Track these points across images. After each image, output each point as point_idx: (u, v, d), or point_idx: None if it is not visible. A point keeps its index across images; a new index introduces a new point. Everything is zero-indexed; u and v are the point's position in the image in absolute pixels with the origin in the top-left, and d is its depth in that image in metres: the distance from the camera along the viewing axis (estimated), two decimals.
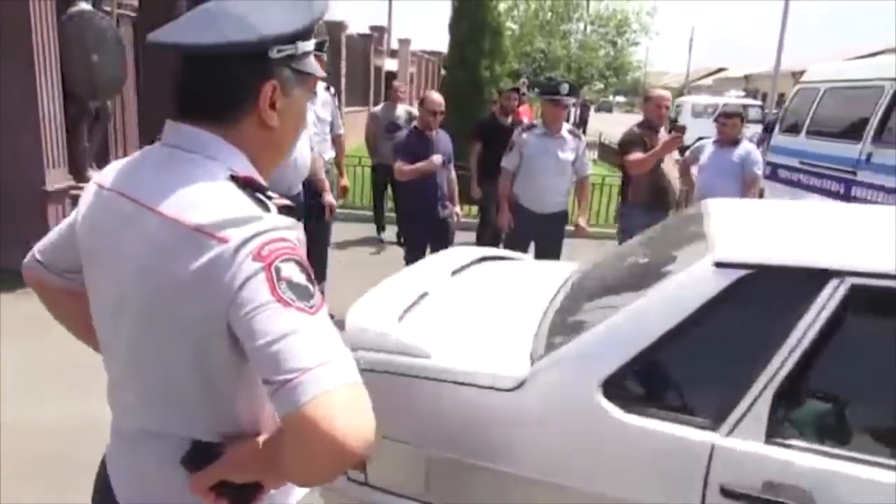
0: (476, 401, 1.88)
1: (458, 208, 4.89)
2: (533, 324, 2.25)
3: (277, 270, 0.87)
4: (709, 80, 52.78)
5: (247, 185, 0.96)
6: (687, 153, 5.63)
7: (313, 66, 1.05)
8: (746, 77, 38.87)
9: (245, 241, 0.89)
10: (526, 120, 6.67)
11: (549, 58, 25.79)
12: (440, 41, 8.76)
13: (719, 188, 4.89)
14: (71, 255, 1.12)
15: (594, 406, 1.76)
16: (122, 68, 6.21)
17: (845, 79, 7.57)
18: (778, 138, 8.73)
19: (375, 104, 12.76)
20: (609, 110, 39.65)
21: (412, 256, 4.47)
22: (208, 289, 0.89)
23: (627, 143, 4.73)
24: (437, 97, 4.66)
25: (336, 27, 12.97)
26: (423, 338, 2.08)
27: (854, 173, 6.76)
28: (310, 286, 0.89)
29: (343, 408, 0.81)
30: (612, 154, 15.78)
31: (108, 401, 1.11)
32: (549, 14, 27.50)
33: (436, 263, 3.02)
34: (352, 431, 0.80)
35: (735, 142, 4.99)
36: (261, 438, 0.99)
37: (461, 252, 3.25)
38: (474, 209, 6.95)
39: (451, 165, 4.81)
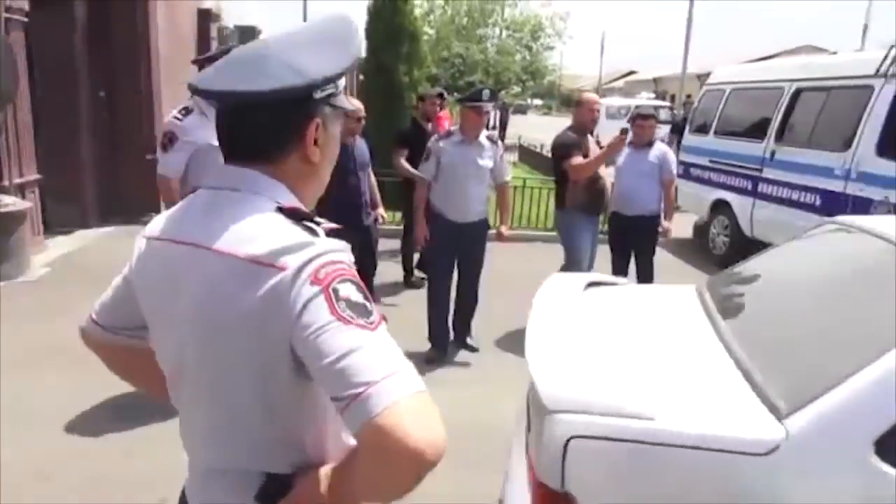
0: (721, 469, 1.58)
1: (382, 209, 4.93)
2: (723, 364, 1.95)
3: (335, 291, 0.90)
4: (620, 83, 54.62)
5: (293, 214, 0.99)
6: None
7: (344, 101, 1.10)
8: (655, 80, 40.44)
9: (301, 267, 0.91)
10: (447, 125, 6.62)
11: (467, 62, 25.98)
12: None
13: (639, 190, 5.02)
14: (126, 312, 1.16)
15: (868, 468, 1.53)
16: (13, 79, 5.77)
17: (748, 80, 7.93)
18: (688, 138, 9.06)
19: None
20: (524, 112, 40.33)
21: None
22: (270, 316, 0.91)
23: (566, 147, 4.65)
24: (358, 103, 4.60)
25: (248, 33, 12.58)
26: (630, 394, 1.74)
27: (760, 170, 7.09)
28: (367, 304, 0.92)
29: (414, 415, 0.82)
30: (534, 158, 16.06)
31: (183, 442, 1.14)
32: (465, 19, 27.71)
33: (558, 298, 2.55)
34: (425, 437, 0.81)
35: (650, 143, 5.11)
36: (330, 465, 1.00)
37: (569, 281, 2.84)
38: (398, 215, 6.84)
39: (371, 172, 4.78)
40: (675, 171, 5.15)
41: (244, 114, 1.02)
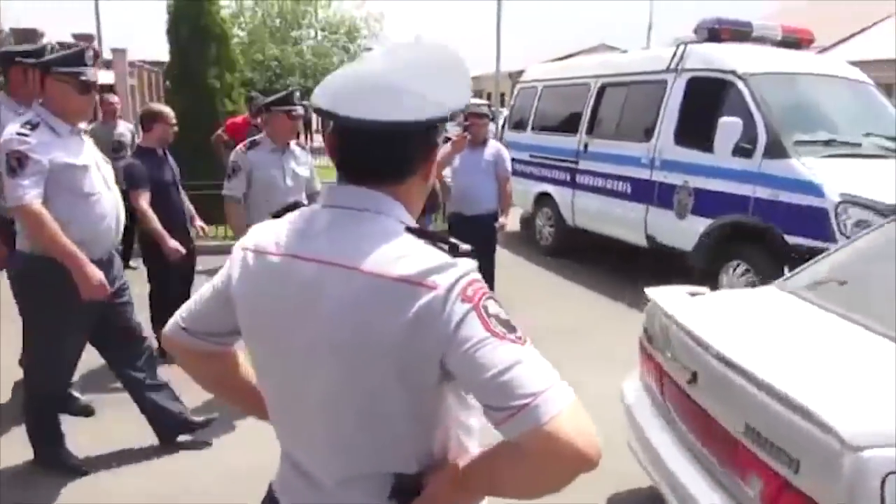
0: None
1: (200, 221, 4.48)
2: None
3: (486, 308, 0.96)
4: None
5: (423, 234, 1.03)
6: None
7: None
8: (472, 79, 41.84)
9: (452, 286, 0.96)
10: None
11: (283, 65, 25.19)
12: (163, 50, 7.99)
13: (478, 188, 5.06)
14: (216, 320, 1.20)
15: None
16: None
17: (558, 78, 8.35)
18: (508, 134, 9.38)
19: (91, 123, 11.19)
20: None
21: (162, 286, 4.25)
22: (422, 332, 0.95)
23: None
24: (169, 109, 4.26)
25: (29, 35, 11.12)
26: None
27: (576, 163, 7.48)
28: (509, 319, 0.97)
29: (575, 423, 0.90)
30: None
31: (291, 458, 1.16)
32: (278, 21, 26.85)
33: (696, 311, 2.41)
34: (588, 442, 0.90)
35: (483, 141, 5.16)
36: (461, 464, 1.07)
37: (675, 292, 2.68)
38: (222, 230, 6.34)
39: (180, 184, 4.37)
40: (510, 168, 5.23)
41: (377, 140, 1.04)
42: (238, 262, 1.13)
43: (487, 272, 5.21)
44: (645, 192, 6.35)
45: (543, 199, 8.11)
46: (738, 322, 2.48)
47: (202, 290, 1.23)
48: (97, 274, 2.77)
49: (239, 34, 25.88)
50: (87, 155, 2.88)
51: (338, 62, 27.31)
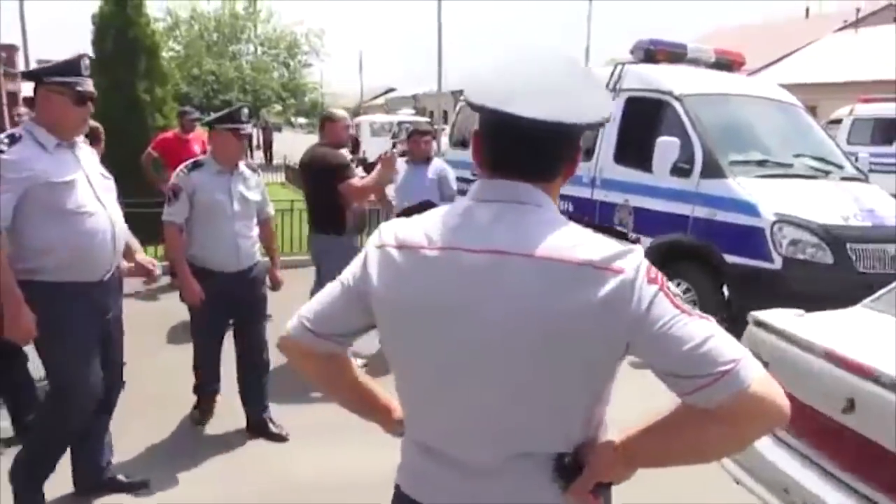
0: None
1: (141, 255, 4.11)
2: None
3: (669, 288, 1.04)
4: (381, 100, 55.99)
5: (587, 224, 1.10)
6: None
7: None
8: (415, 96, 42.05)
9: (637, 269, 1.02)
10: (198, 149, 5.92)
11: (221, 80, 24.61)
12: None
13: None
14: (346, 320, 1.23)
15: None
16: None
17: None
18: (449, 153, 9.30)
19: None
20: (279, 130, 39.14)
21: None
22: (611, 313, 1.01)
23: (344, 167, 4.34)
24: (97, 124, 4.13)
25: None
26: None
27: None
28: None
29: (772, 384, 1.00)
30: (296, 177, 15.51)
31: (425, 436, 1.19)
32: (216, 35, 26.29)
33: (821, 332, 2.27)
34: (785, 400, 1.00)
35: (427, 159, 5.05)
36: (619, 438, 1.12)
37: (787, 315, 2.60)
38: (152, 250, 6.00)
39: None
40: (455, 186, 5.11)
41: (545, 139, 1.09)
42: (376, 261, 1.16)
43: None
44: (586, 211, 6.35)
45: None
46: (879, 344, 2.29)
47: (325, 293, 1.26)
48: (29, 320, 2.51)
49: (175, 48, 25.20)
50: (77, 169, 2.63)
51: (277, 77, 26.88)
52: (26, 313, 2.48)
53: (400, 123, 22.57)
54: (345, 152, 4.65)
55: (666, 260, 5.37)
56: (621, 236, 1.07)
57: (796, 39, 29.26)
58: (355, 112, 46.01)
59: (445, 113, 21.36)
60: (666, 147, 5.33)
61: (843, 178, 5.44)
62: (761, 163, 5.32)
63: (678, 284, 5.34)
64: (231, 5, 26.31)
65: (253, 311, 3.65)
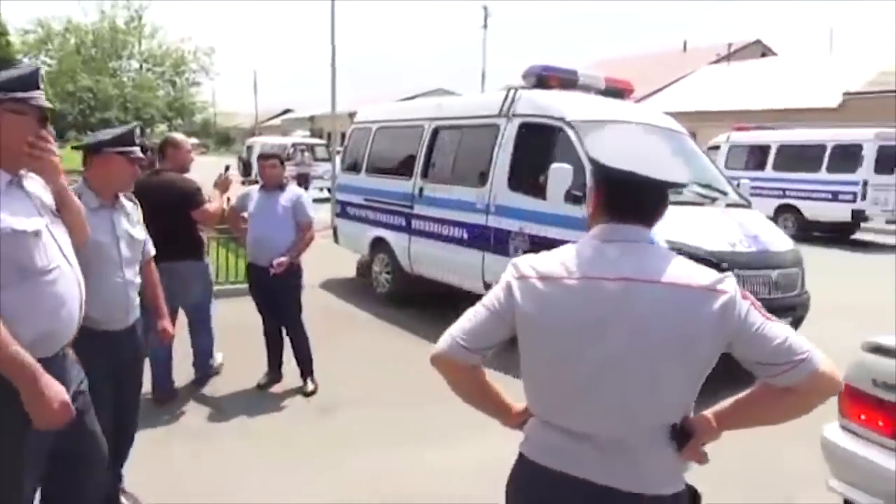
0: None
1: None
2: None
3: (753, 303, 1.46)
4: (277, 121, 54.70)
5: (687, 256, 1.56)
6: (234, 200, 5.10)
7: None
8: (311, 118, 41.27)
9: (735, 290, 1.45)
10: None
11: (98, 97, 23.03)
12: None
13: (272, 237, 4.60)
14: (491, 337, 1.56)
15: None
16: None
17: (392, 119, 8.07)
18: (341, 177, 8.95)
19: None
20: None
21: None
22: (723, 322, 1.42)
23: (197, 192, 4.32)
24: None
25: None
26: None
27: (412, 207, 7.18)
28: None
29: (833, 366, 1.43)
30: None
31: (561, 419, 1.54)
32: (94, 50, 24.67)
33: None
34: (839, 376, 1.45)
35: (281, 186, 4.71)
36: (715, 409, 1.56)
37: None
38: None
39: None
40: (311, 213, 4.75)
41: (658, 192, 1.53)
42: (519, 289, 1.51)
43: (293, 325, 4.83)
44: (481, 239, 6.17)
45: (379, 244, 7.73)
46: None
47: (473, 316, 1.57)
48: (58, 393, 1.95)
49: (48, 62, 23.41)
50: (34, 213, 2.04)
51: (163, 96, 25.53)
52: (54, 390, 1.93)
53: (294, 145, 21.96)
54: (194, 177, 4.57)
55: None
56: (713, 265, 1.61)
57: (675, 70, 31.08)
58: (250, 133, 44.65)
59: (343, 135, 20.90)
60: (559, 174, 5.23)
61: (729, 205, 5.54)
62: None
63: None
64: (111, 18, 24.81)
65: (134, 374, 3.08)
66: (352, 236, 8.39)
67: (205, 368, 4.85)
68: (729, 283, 1.44)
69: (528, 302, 1.51)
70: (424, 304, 7.27)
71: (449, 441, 4.04)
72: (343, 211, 8.64)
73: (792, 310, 5.04)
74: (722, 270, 1.57)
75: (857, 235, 14.26)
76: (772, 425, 1.55)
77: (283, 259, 4.52)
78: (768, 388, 1.48)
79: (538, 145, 5.83)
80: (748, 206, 5.68)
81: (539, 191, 5.47)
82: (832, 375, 1.42)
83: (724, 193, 5.66)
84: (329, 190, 14.26)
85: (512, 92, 6.16)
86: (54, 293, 2.03)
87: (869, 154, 13.37)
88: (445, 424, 4.12)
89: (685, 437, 1.51)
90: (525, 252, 5.74)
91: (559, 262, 1.51)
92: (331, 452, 3.90)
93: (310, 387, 4.78)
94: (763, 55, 32.28)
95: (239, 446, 3.96)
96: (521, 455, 1.63)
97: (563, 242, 5.43)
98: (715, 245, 4.82)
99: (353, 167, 8.51)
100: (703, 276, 1.44)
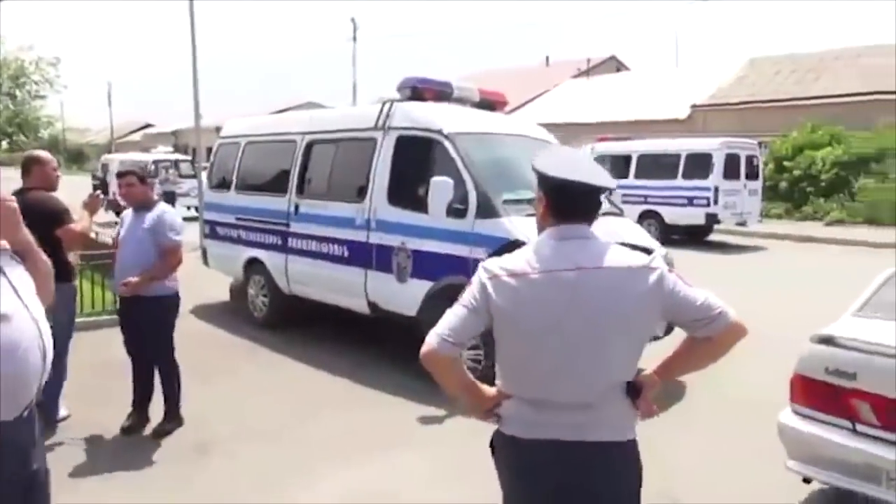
0: None
1: None
2: None
3: (677, 274, 1.87)
4: (137, 136, 51.42)
5: (623, 244, 2.03)
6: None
7: None
8: (174, 133, 39.09)
9: (664, 265, 1.85)
10: None
11: None
12: None
13: (134, 260, 4.23)
14: (471, 331, 1.86)
15: None
16: None
17: (262, 134, 7.69)
18: (209, 195, 8.42)
19: None
20: None
21: None
22: (656, 292, 1.80)
23: (65, 212, 4.15)
24: None
25: None
26: None
27: (287, 225, 6.85)
28: None
29: (739, 317, 1.82)
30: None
31: (534, 393, 1.86)
32: None
33: None
34: (745, 325, 1.84)
35: (147, 205, 4.32)
36: (665, 363, 1.96)
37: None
38: None
39: None
40: (175, 237, 4.33)
41: (595, 195, 1.91)
42: (492, 287, 1.83)
43: (162, 356, 4.43)
44: (362, 256, 5.97)
45: (254, 265, 7.31)
46: None
47: (454, 315, 1.85)
48: None
49: None
50: None
51: (2, 109, 23.17)
52: None
53: (156, 162, 20.61)
54: (59, 195, 4.28)
55: (451, 303, 5.13)
56: (644, 249, 2.16)
57: (540, 84, 32.39)
58: (106, 149, 41.53)
59: (209, 150, 19.88)
60: (440, 187, 5.15)
61: (603, 213, 5.69)
62: (531, 201, 5.36)
63: None
64: None
65: None
66: (223, 258, 7.89)
67: (52, 414, 4.27)
68: (658, 261, 1.84)
69: (501, 296, 1.81)
70: (305, 327, 6.97)
71: (326, 473, 3.85)
72: (212, 231, 8.12)
73: None
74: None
75: (712, 237, 15.39)
76: (698, 370, 2.00)
77: (132, 279, 4.12)
78: (692, 341, 1.90)
79: (417, 158, 5.74)
80: (621, 214, 5.89)
81: (420, 205, 5.36)
82: (741, 324, 1.84)
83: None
84: (196, 209, 13.45)
85: (387, 105, 6.03)
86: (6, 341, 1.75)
87: (718, 162, 14.52)
88: (323, 457, 3.99)
89: (637, 392, 1.88)
90: (407, 268, 5.60)
91: (524, 260, 1.84)
92: (208, 496, 3.56)
93: (167, 427, 4.35)
94: (618, 70, 34.43)
95: (104, 497, 3.53)
96: (498, 433, 1.96)
97: (446, 257, 5.35)
98: None
99: (222, 184, 8.03)
100: (638, 258, 1.85)
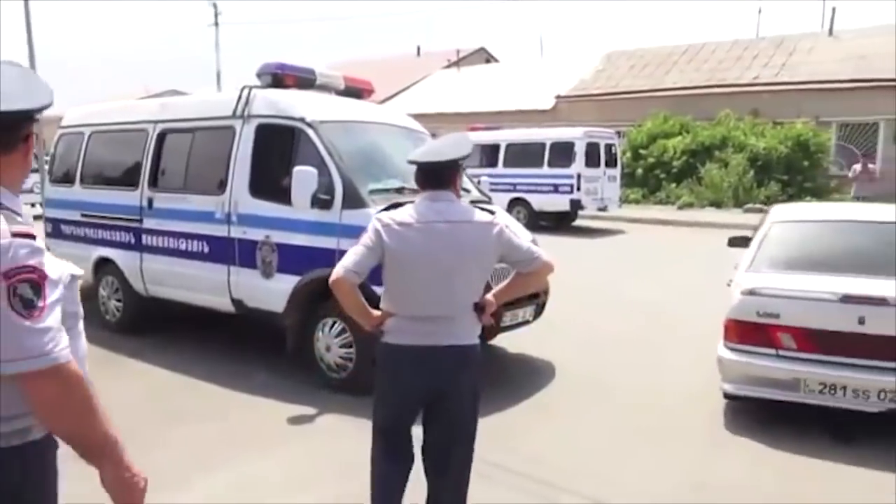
0: None
1: None
2: None
3: (508, 227, 2.71)
4: None
5: (472, 204, 3.04)
6: None
7: None
8: None
9: (503, 221, 2.71)
10: None
11: None
12: None
13: None
14: (370, 264, 2.59)
15: None
16: None
17: (110, 122, 7.07)
18: (51, 190, 7.66)
19: None
20: None
21: None
22: (497, 241, 2.65)
23: None
24: None
25: None
26: None
27: (141, 220, 6.36)
28: None
29: (550, 258, 2.79)
30: None
31: (413, 311, 2.65)
32: None
33: None
34: (552, 263, 2.81)
35: None
36: (495, 290, 2.82)
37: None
38: None
39: None
40: None
41: (440, 169, 2.70)
42: (385, 232, 2.60)
43: None
44: (224, 252, 5.65)
45: (105, 265, 6.75)
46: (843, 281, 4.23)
47: (356, 252, 2.59)
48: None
49: None
50: None
51: None
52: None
53: None
54: None
55: (319, 298, 4.97)
56: (490, 211, 2.80)
57: (411, 74, 32.42)
58: None
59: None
60: (303, 177, 4.95)
61: (472, 202, 5.72)
62: (400, 190, 5.30)
63: (333, 324, 5.02)
64: None
65: None
66: (69, 259, 7.16)
67: None
68: (500, 217, 2.74)
69: (392, 239, 2.59)
70: (165, 330, 6.52)
71: (197, 481, 3.61)
72: (56, 230, 7.40)
73: (536, 297, 5.36)
74: None
75: (577, 223, 16.12)
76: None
77: None
78: (519, 274, 2.80)
79: (279, 148, 5.49)
80: (489, 201, 5.95)
81: (284, 196, 5.13)
82: (551, 263, 2.77)
83: (468, 191, 5.85)
84: (41, 205, 12.25)
85: (246, 91, 5.72)
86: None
87: (580, 150, 15.21)
88: (194, 466, 3.76)
89: (481, 310, 2.72)
90: (272, 263, 5.35)
91: (407, 214, 2.64)
92: None
93: None
94: (487, 61, 35.13)
95: None
96: (382, 343, 2.71)
97: (314, 250, 5.18)
98: None
99: (66, 178, 7.33)
100: (486, 216, 2.70)
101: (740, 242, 5.65)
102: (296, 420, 4.48)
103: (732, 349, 4.35)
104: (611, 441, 4.22)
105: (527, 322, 5.33)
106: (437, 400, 2.70)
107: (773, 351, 4.21)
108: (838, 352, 4.07)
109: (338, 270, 2.55)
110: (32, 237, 1.41)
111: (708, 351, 4.62)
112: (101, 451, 1.51)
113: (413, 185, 6.01)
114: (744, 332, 4.29)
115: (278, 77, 5.85)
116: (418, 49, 39.44)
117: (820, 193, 18.62)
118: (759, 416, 4.44)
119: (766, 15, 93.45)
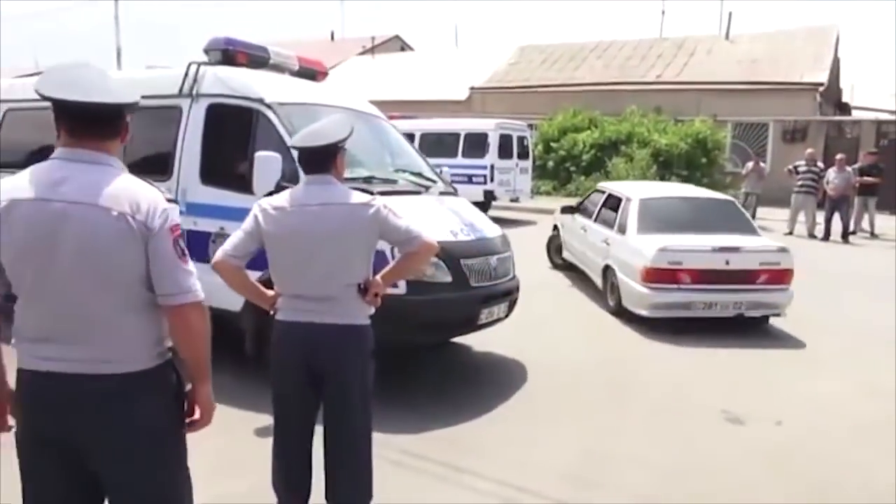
0: None
1: None
2: None
3: (390, 209, 2.77)
4: None
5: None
6: None
7: None
8: None
9: (382, 204, 2.75)
10: None
11: None
12: None
13: None
14: (247, 247, 2.70)
15: None
16: None
17: (22, 99, 6.28)
18: None
19: None
20: None
21: None
22: (374, 221, 2.69)
23: None
24: None
25: None
26: None
27: None
28: None
29: (431, 237, 2.89)
30: None
31: (294, 290, 2.73)
32: None
33: None
34: (435, 242, 2.93)
35: None
36: (385, 271, 2.90)
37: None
38: None
39: None
40: None
41: (317, 153, 2.74)
42: (261, 214, 2.70)
43: None
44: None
45: None
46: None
47: (237, 236, 2.71)
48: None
49: None
50: None
51: None
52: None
53: None
54: None
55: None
56: (369, 192, 2.95)
57: (325, 59, 31.42)
58: None
59: None
60: (266, 163, 4.56)
61: (441, 193, 5.53)
62: (368, 179, 5.02)
63: None
64: None
65: None
66: None
67: None
68: (378, 201, 2.74)
69: (268, 224, 2.68)
70: None
71: None
72: None
73: (509, 294, 5.23)
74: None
75: (490, 213, 16.22)
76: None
77: None
78: (404, 254, 2.87)
79: (234, 131, 5.09)
80: (456, 193, 5.78)
81: (241, 183, 4.74)
82: (432, 242, 2.84)
83: (434, 182, 5.65)
84: None
85: (194, 68, 5.24)
86: None
87: (493, 142, 15.37)
88: None
89: (366, 291, 2.74)
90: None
91: (284, 199, 2.72)
92: None
93: None
94: (402, 49, 34.71)
95: None
96: (274, 320, 2.80)
97: None
98: (439, 235, 4.70)
99: (15, 162, 6.44)
100: (363, 197, 2.74)
101: (569, 210, 9.22)
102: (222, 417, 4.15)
103: (649, 287, 6.43)
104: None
105: (500, 319, 5.21)
106: (323, 382, 2.74)
107: (675, 286, 6.42)
108: (714, 282, 6.41)
109: (218, 254, 2.67)
110: (176, 202, 2.00)
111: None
112: (207, 374, 2.03)
113: (384, 174, 5.79)
114: (658, 276, 6.36)
115: (229, 54, 5.41)
116: (332, 34, 38.38)
117: (715, 188, 19.71)
118: (669, 328, 6.48)
119: (669, 16, 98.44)
